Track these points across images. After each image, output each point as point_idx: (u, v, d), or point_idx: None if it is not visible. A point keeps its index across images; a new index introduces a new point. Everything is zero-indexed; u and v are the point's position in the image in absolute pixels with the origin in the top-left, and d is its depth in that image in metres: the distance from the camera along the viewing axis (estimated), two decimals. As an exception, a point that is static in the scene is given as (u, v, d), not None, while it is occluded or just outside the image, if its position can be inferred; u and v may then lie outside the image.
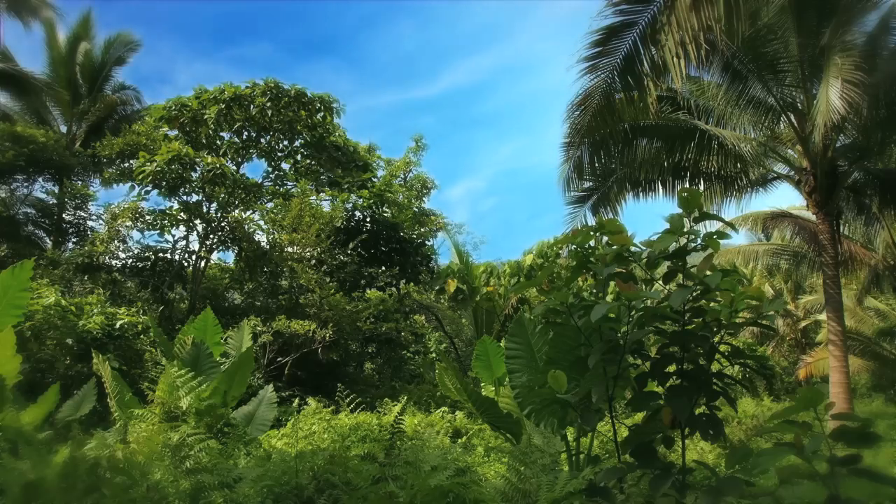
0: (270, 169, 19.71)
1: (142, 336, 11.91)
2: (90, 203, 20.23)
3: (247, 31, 76.17)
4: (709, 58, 10.93)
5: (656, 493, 2.72)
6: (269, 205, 19.07)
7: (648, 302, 3.29)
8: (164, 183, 16.01)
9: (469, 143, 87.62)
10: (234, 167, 17.95)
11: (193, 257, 17.60)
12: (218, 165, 16.16)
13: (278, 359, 14.87)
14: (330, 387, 11.90)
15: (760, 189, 13.35)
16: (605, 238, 3.35)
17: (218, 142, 18.32)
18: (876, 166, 12.24)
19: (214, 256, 19.17)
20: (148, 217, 16.83)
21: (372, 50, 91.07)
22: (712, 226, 3.30)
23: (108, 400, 7.67)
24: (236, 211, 17.93)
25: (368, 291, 17.64)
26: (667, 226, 3.10)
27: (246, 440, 6.68)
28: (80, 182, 20.58)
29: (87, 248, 16.06)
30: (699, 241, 3.11)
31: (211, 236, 17.60)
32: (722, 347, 3.15)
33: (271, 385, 8.95)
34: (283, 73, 79.74)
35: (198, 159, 16.27)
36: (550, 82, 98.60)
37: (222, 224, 17.52)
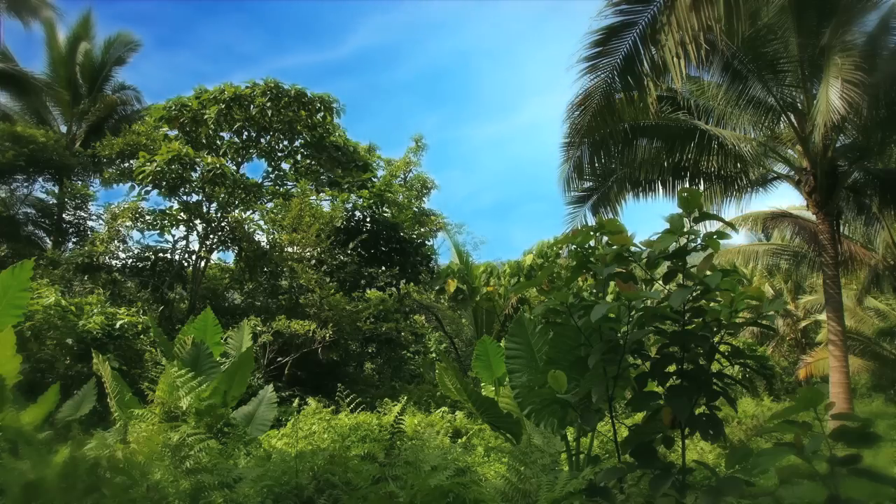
0: (270, 169, 19.73)
1: (142, 336, 11.91)
2: (90, 203, 20.26)
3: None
4: (709, 58, 10.93)
5: (656, 493, 2.72)
6: (269, 205, 19.06)
7: (648, 302, 3.29)
8: (164, 183, 16.01)
9: (394, 111, 79.53)
10: (234, 167, 17.95)
11: (193, 257, 17.59)
12: (218, 165, 16.16)
13: (278, 359, 14.87)
14: (330, 387, 11.89)
15: (760, 189, 13.36)
16: (605, 238, 3.35)
17: (218, 142, 18.32)
18: (876, 166, 12.24)
19: (214, 256, 19.20)
20: (148, 217, 16.82)
21: (276, 5, 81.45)
22: (712, 226, 3.30)
23: (108, 400, 7.67)
24: (236, 211, 17.92)
25: (368, 291, 17.64)
26: (667, 226, 3.10)
27: (246, 440, 6.68)
28: (80, 182, 20.58)
29: (87, 248, 16.05)
30: (699, 241, 3.11)
31: (211, 236, 17.60)
32: (722, 347, 3.15)
33: (271, 385, 8.94)
34: (182, 31, 69.30)
35: (198, 159, 16.27)
36: (477, 40, 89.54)
37: (222, 224, 17.52)
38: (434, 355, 20.11)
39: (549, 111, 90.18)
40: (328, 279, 16.69)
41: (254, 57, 76.81)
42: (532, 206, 79.78)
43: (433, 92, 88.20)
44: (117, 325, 11.48)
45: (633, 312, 3.25)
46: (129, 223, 16.51)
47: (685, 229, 3.08)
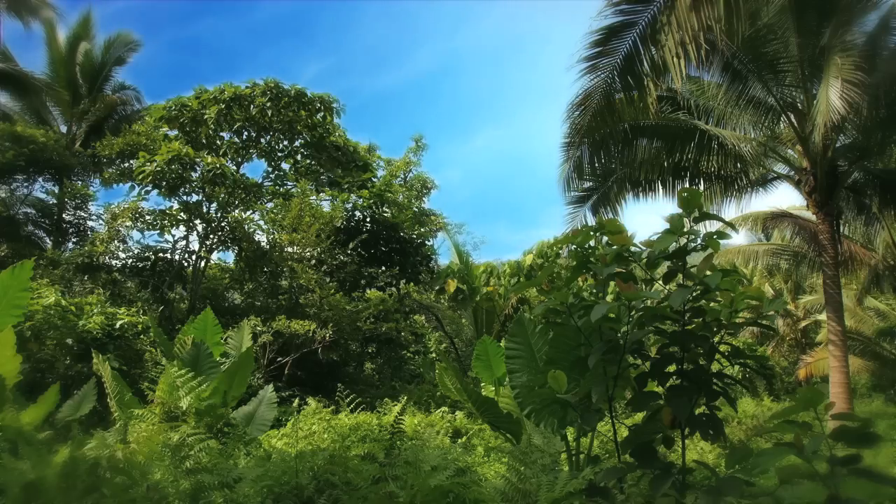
0: (270, 169, 19.72)
1: (142, 336, 11.91)
2: (90, 203, 20.26)
3: None
4: (709, 58, 10.93)
5: (656, 493, 2.72)
6: (269, 205, 19.05)
7: (648, 302, 3.29)
8: (164, 183, 16.01)
9: (270, 56, 70.30)
10: (234, 167, 17.94)
11: (193, 257, 17.59)
12: (218, 165, 16.15)
13: (278, 359, 14.86)
14: (330, 387, 11.89)
15: (760, 189, 13.36)
16: (605, 238, 3.35)
17: (218, 142, 18.31)
18: (876, 166, 12.24)
19: (214, 256, 19.19)
20: (148, 217, 16.82)
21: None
22: (712, 226, 3.30)
23: (108, 400, 7.67)
24: (236, 211, 17.92)
25: (368, 291, 17.63)
26: (667, 226, 3.10)
27: (246, 440, 6.68)
28: (80, 182, 20.58)
29: (87, 248, 16.05)
30: (699, 241, 3.11)
31: (211, 236, 17.59)
32: (722, 347, 3.15)
33: (271, 385, 8.94)
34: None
35: (198, 159, 16.27)
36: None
37: (222, 224, 17.52)
38: (434, 355, 20.10)
39: (446, 60, 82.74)
40: (328, 279, 16.68)
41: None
42: (445, 172, 71.58)
43: (311, 37, 78.47)
44: (117, 325, 11.48)
45: (633, 312, 3.26)
46: (129, 223, 16.51)
47: (685, 229, 3.09)
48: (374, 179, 20.96)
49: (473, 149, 77.94)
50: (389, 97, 77.50)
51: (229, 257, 19.82)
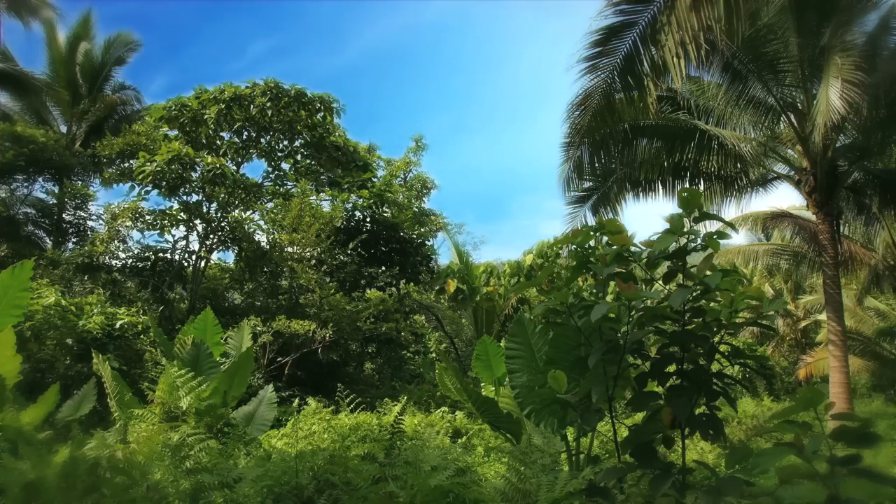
0: (270, 169, 19.72)
1: (142, 336, 11.91)
2: (90, 203, 20.25)
3: None
4: (709, 58, 10.93)
5: (656, 493, 2.72)
6: (269, 205, 19.05)
7: (648, 302, 3.29)
8: (164, 183, 16.01)
9: (226, 37, 68.80)
10: (234, 167, 17.94)
11: (193, 257, 17.59)
12: (218, 165, 16.15)
13: (278, 359, 14.86)
14: (330, 387, 11.90)
15: (760, 189, 13.36)
16: (605, 238, 3.35)
17: (218, 142, 18.31)
18: (876, 166, 12.24)
19: (214, 256, 19.19)
20: (148, 217, 16.82)
21: None
22: (712, 226, 3.30)
23: (108, 400, 7.67)
24: (236, 211, 17.92)
25: (368, 291, 17.63)
26: (667, 226, 3.10)
27: (246, 440, 6.68)
28: (80, 182, 20.57)
29: (87, 248, 16.05)
30: (699, 241, 3.11)
31: (211, 236, 17.59)
32: (722, 347, 3.15)
33: (271, 385, 8.94)
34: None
35: (198, 159, 16.27)
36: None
37: (222, 224, 17.52)
38: (434, 355, 20.10)
39: (400, 38, 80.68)
40: (328, 279, 16.68)
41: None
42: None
43: (255, 12, 75.70)
44: (117, 325, 11.48)
45: (633, 312, 3.26)
46: (129, 223, 16.51)
47: (685, 229, 3.09)
48: (374, 179, 20.96)
49: (440, 136, 76.39)
50: (340, 78, 75.73)
51: (229, 257, 19.86)
